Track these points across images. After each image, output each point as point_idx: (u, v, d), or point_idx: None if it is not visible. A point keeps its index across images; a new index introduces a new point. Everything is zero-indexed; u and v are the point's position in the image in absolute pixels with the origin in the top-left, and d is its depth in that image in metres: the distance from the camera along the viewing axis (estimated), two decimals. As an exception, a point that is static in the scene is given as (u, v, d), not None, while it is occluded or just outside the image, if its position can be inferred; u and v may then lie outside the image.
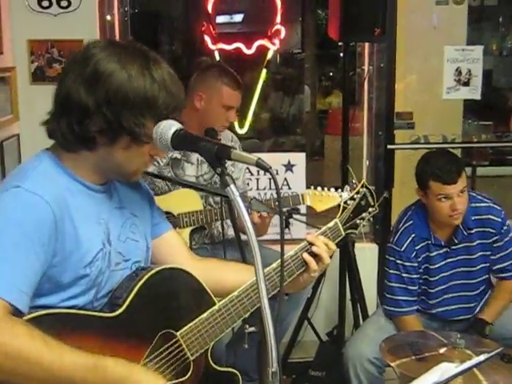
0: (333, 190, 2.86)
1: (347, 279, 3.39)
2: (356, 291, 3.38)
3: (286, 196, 2.86)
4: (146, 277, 1.64)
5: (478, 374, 2.03)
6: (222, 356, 2.75)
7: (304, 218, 2.72)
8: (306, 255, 1.85)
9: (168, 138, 1.47)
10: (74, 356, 1.43)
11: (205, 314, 1.70)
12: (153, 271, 1.66)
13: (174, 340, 1.67)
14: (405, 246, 2.81)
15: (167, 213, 2.84)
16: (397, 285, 2.85)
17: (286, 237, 3.50)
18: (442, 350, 2.23)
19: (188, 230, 2.87)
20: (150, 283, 1.64)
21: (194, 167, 2.97)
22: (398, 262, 2.83)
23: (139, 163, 1.63)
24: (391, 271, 2.87)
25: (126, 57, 1.53)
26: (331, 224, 2.00)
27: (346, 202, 2.06)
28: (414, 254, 2.82)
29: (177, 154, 2.93)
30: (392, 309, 2.87)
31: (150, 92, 1.52)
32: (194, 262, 1.86)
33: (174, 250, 1.87)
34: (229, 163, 2.92)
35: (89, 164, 1.60)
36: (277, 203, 2.84)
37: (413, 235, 2.82)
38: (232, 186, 1.36)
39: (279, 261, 1.75)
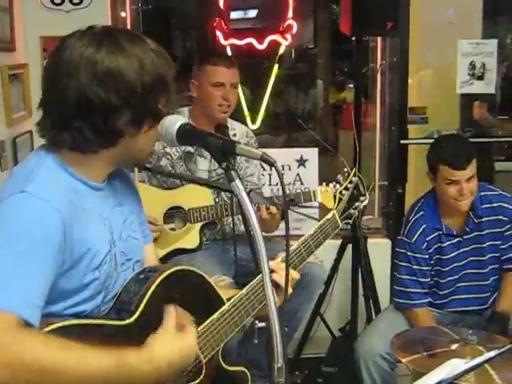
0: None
1: (360, 275, 3.38)
2: (369, 287, 3.37)
3: (297, 192, 2.84)
4: (159, 279, 1.58)
5: (490, 371, 2.01)
6: (234, 352, 2.75)
7: (304, 211, 2.71)
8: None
9: (173, 133, 1.47)
10: (97, 356, 1.37)
11: (215, 315, 1.68)
12: (165, 273, 1.60)
13: None
14: (415, 237, 2.80)
15: (178, 207, 2.85)
16: (407, 277, 2.83)
17: (300, 225, 3.51)
18: (453, 347, 2.21)
19: (198, 226, 2.87)
20: (164, 286, 1.59)
21: (207, 161, 2.97)
22: (409, 253, 2.81)
23: (155, 142, 1.62)
24: (402, 263, 2.86)
25: (126, 44, 1.48)
26: (329, 216, 2.00)
27: (340, 193, 2.07)
28: (424, 246, 2.80)
29: (190, 148, 2.92)
30: (403, 301, 2.85)
31: (161, 69, 1.51)
32: None
33: (150, 261, 1.79)
34: (243, 159, 2.97)
35: (101, 161, 1.55)
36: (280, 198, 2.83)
37: (424, 226, 2.81)
38: (237, 181, 1.35)
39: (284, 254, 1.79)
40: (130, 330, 1.51)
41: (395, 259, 2.94)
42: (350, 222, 2.08)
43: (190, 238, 2.86)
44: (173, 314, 1.57)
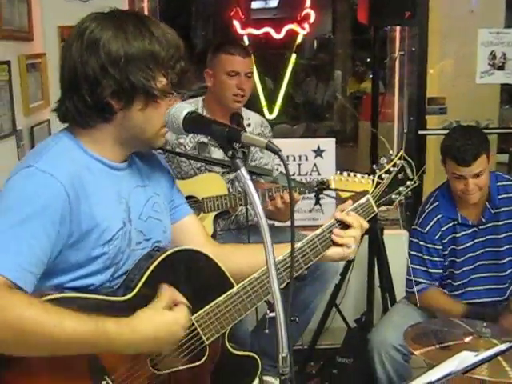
0: (359, 175, 2.78)
1: (376, 266, 3.36)
2: (385, 278, 3.35)
3: (311, 181, 2.85)
4: (160, 258, 1.60)
5: (504, 364, 2.00)
6: (247, 341, 2.76)
7: (333, 194, 2.68)
8: (334, 236, 1.77)
9: (180, 121, 1.49)
10: (75, 321, 1.40)
11: (221, 298, 1.66)
12: (167, 252, 1.63)
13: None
14: (429, 227, 2.79)
15: (191, 197, 2.85)
16: (418, 267, 2.83)
17: (318, 216, 3.49)
18: (467, 339, 2.20)
19: (212, 215, 2.86)
20: (165, 265, 1.61)
21: (221, 151, 2.95)
22: (421, 243, 2.81)
23: (159, 123, 1.60)
24: (413, 253, 2.85)
25: (120, 20, 1.54)
26: (363, 200, 1.89)
27: (380, 177, 1.95)
28: (438, 236, 2.79)
29: (204, 138, 2.92)
30: (413, 290, 2.83)
31: (150, 45, 1.53)
32: (209, 247, 1.81)
33: (191, 234, 1.85)
34: (258, 148, 2.96)
35: (108, 138, 1.60)
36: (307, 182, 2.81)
37: (439, 216, 2.79)
38: (243, 169, 1.36)
39: (306, 239, 1.76)
40: (125, 306, 1.54)
41: (408, 249, 2.93)
42: (391, 207, 2.00)
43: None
44: (165, 293, 1.58)
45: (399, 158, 1.98)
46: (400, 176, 1.96)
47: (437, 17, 3.71)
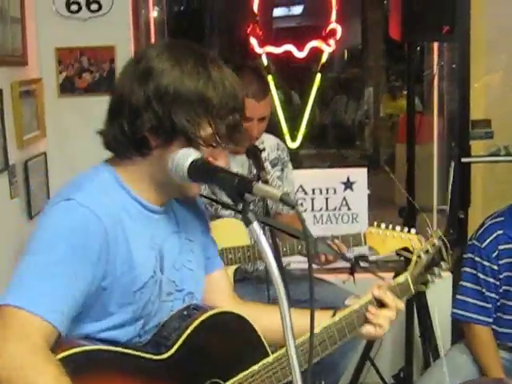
0: (398, 228, 2.83)
1: (415, 314, 3.35)
2: (426, 328, 3.33)
3: (345, 235, 2.81)
4: (199, 319, 1.68)
5: None
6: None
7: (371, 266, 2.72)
8: (369, 314, 1.88)
9: (185, 169, 1.52)
10: None
11: (256, 367, 1.72)
12: (207, 314, 1.70)
13: None
14: (487, 242, 2.76)
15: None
16: (470, 285, 2.78)
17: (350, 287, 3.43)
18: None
19: (233, 269, 2.83)
20: (204, 327, 1.68)
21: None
22: (477, 259, 2.77)
23: None
24: (466, 269, 2.80)
25: (181, 54, 1.61)
26: (401, 279, 2.00)
27: (419, 256, 2.05)
28: (495, 254, 2.75)
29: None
30: (461, 312, 2.80)
31: (204, 88, 1.57)
32: (236, 306, 1.89)
33: (217, 290, 1.91)
34: (275, 176, 2.96)
35: (145, 175, 1.65)
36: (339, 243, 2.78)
37: (499, 232, 2.76)
38: (255, 223, 1.37)
39: (343, 314, 1.86)
40: (161, 366, 1.61)
41: (461, 267, 2.89)
42: (426, 288, 2.10)
43: None
44: None
45: (438, 238, 2.10)
46: (436, 256, 2.09)
47: (479, 28, 3.70)
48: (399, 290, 1.97)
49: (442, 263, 2.09)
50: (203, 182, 1.67)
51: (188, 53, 1.62)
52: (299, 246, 2.79)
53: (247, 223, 1.38)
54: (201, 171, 1.52)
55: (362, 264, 2.54)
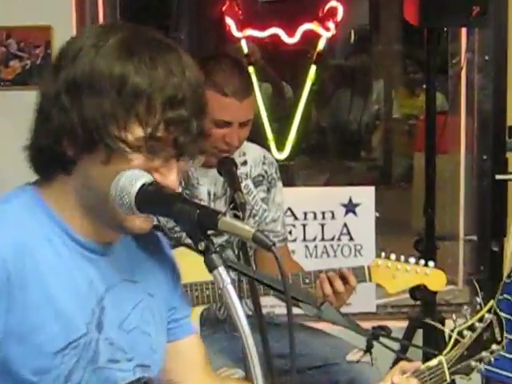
0: (412, 260, 2.77)
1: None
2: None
3: (347, 268, 2.73)
4: None
5: None
6: None
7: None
8: None
9: (132, 197, 1.43)
10: None
11: None
12: None
13: None
14: None
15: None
16: (506, 335, 2.74)
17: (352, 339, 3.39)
18: None
19: (198, 311, 2.77)
20: None
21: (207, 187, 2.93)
22: None
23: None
24: (501, 314, 2.77)
25: (112, 33, 1.52)
26: (433, 362, 1.95)
27: (460, 333, 2.00)
28: None
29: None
30: (494, 369, 2.74)
31: (125, 71, 1.44)
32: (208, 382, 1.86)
33: (187, 361, 1.86)
34: (259, 197, 2.89)
35: (72, 199, 1.57)
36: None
37: None
38: (220, 268, 1.36)
39: None
40: None
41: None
42: (469, 377, 2.04)
43: None
44: None
45: (488, 311, 2.04)
46: (485, 335, 2.02)
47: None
48: (429, 376, 1.93)
49: (494, 346, 2.03)
50: (155, 213, 1.58)
51: (115, 30, 1.53)
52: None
53: (210, 268, 1.37)
54: (152, 200, 1.44)
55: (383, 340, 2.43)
